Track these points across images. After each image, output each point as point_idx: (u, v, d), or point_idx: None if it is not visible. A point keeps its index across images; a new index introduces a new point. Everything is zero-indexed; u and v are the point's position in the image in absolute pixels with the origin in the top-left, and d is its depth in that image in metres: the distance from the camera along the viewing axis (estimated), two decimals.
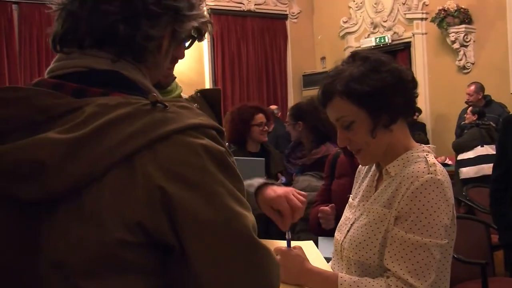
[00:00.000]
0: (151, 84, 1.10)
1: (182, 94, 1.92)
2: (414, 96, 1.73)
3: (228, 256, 0.94)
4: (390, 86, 1.63)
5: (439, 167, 1.65)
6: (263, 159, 4.03)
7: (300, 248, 1.74)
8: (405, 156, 1.70)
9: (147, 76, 1.08)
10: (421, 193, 1.59)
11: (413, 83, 1.72)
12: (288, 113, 4.11)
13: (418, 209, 1.58)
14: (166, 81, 1.35)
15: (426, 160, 1.65)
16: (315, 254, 1.87)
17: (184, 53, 1.24)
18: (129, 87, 1.00)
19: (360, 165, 1.93)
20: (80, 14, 1.02)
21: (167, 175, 0.90)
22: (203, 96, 1.10)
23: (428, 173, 1.60)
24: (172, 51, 1.13)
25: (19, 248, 0.93)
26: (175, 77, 1.35)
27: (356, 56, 1.71)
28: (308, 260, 1.71)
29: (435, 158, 1.71)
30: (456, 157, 7.30)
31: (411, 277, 1.56)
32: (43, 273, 0.90)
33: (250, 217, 0.98)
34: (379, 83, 1.63)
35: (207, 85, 10.18)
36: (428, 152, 1.72)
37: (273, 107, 9.63)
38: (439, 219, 1.59)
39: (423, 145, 1.76)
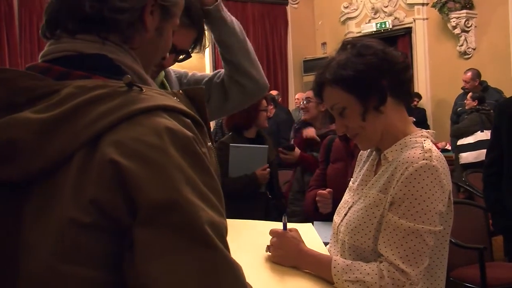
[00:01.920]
0: (149, 67, 1.10)
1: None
2: (405, 77, 1.74)
3: (170, 249, 0.85)
4: (374, 68, 1.66)
5: (436, 153, 1.65)
6: (267, 146, 4.05)
7: (296, 230, 1.76)
8: (403, 141, 1.71)
9: (138, 59, 1.07)
10: (415, 178, 1.59)
11: (403, 65, 1.73)
12: (313, 92, 4.12)
13: (412, 195, 1.59)
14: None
15: (423, 146, 1.66)
16: (313, 236, 1.88)
17: (185, 41, 1.20)
18: (113, 71, 0.99)
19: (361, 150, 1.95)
20: None
21: (122, 150, 0.87)
22: (186, 95, 1.07)
23: (424, 159, 1.61)
24: (166, 29, 1.10)
25: (1, 230, 0.94)
26: None
27: (346, 44, 1.75)
28: (304, 242, 1.72)
29: (435, 144, 1.72)
30: (456, 142, 7.31)
31: (403, 262, 1.57)
32: (20, 254, 0.91)
33: (210, 213, 0.89)
34: (363, 66, 1.65)
35: (208, 70, 10.16)
36: (427, 137, 1.72)
37: (274, 92, 9.61)
38: (432, 205, 1.59)
39: (423, 130, 1.77)
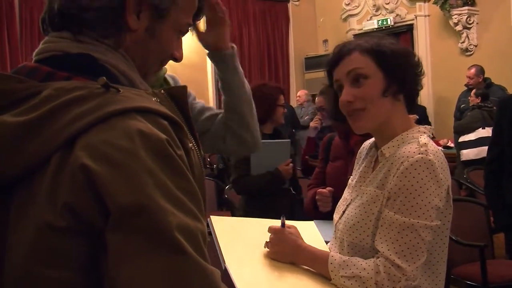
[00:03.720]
0: (144, 68, 1.09)
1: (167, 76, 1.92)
2: (420, 82, 1.78)
3: (139, 254, 0.84)
4: (407, 58, 1.72)
5: (432, 147, 1.64)
6: (289, 140, 4.03)
7: (295, 227, 1.76)
8: (400, 137, 1.71)
9: (129, 59, 1.06)
10: (410, 173, 1.58)
11: (421, 71, 1.78)
12: (322, 98, 4.18)
13: (407, 189, 1.58)
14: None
15: (419, 141, 1.65)
16: (314, 234, 1.88)
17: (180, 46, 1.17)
18: (97, 71, 0.98)
19: (361, 147, 1.94)
20: None
21: (92, 153, 0.86)
22: (168, 94, 1.05)
23: (419, 153, 1.60)
24: (160, 30, 1.08)
25: None
26: None
27: (374, 34, 1.82)
28: (302, 239, 1.72)
29: (437, 141, 1.73)
30: (458, 139, 7.30)
31: (398, 258, 1.56)
32: (5, 256, 0.91)
33: (181, 218, 0.87)
34: (400, 49, 1.72)
35: (209, 67, 10.15)
36: (424, 132, 1.72)
37: None
38: (427, 200, 1.58)
39: (420, 126, 1.76)
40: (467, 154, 6.90)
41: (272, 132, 4.10)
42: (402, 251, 1.57)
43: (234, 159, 3.90)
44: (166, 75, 1.90)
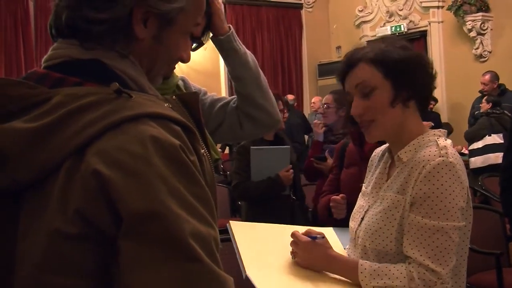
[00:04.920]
0: (152, 74, 1.09)
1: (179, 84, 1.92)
2: (432, 83, 1.76)
3: (152, 261, 0.83)
4: (415, 63, 1.70)
5: (451, 149, 1.64)
6: (289, 147, 4.04)
7: (324, 236, 1.75)
8: (416, 141, 1.70)
9: (138, 65, 1.05)
10: (433, 176, 1.58)
11: (434, 73, 1.76)
12: (332, 97, 4.15)
13: (433, 193, 1.58)
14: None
15: (437, 143, 1.65)
16: (334, 240, 1.88)
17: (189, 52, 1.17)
18: (107, 76, 0.98)
19: (372, 154, 1.93)
20: (58, 3, 1.04)
21: (105, 159, 0.85)
22: (180, 100, 1.04)
23: (440, 156, 1.60)
24: (168, 37, 1.07)
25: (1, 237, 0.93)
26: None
27: (384, 38, 1.80)
28: (331, 248, 1.73)
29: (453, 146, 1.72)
30: (469, 147, 7.27)
31: (432, 262, 1.56)
32: (13, 265, 0.90)
33: (195, 224, 0.86)
34: (407, 56, 1.69)
35: (222, 74, 10.18)
36: (439, 135, 1.72)
37: (290, 96, 9.63)
38: (454, 202, 1.58)
39: (434, 130, 1.76)
40: (475, 162, 6.87)
41: (274, 139, 4.13)
42: (435, 255, 1.57)
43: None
44: (193, 89, 1.94)
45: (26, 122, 0.90)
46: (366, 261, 1.66)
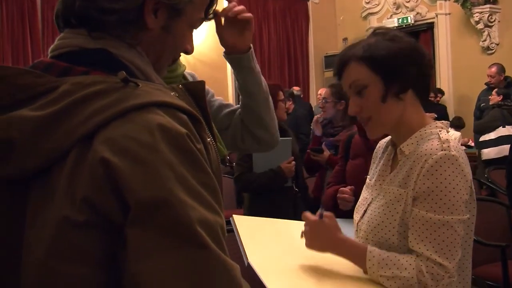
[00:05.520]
0: (158, 63, 1.10)
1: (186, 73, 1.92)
2: (429, 73, 1.75)
3: (160, 249, 0.84)
4: (405, 54, 1.67)
5: (453, 142, 1.64)
6: (290, 138, 4.03)
7: (333, 218, 1.73)
8: (418, 134, 1.71)
9: (144, 55, 1.06)
10: (436, 170, 1.58)
11: (430, 61, 1.75)
12: (330, 90, 4.17)
13: (436, 187, 1.58)
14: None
15: (439, 137, 1.65)
16: None
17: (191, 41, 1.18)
18: (113, 65, 0.99)
19: (377, 146, 1.94)
20: None
21: (112, 148, 0.86)
22: (186, 89, 1.05)
23: (442, 150, 1.60)
24: (176, 28, 1.09)
25: (6, 228, 0.94)
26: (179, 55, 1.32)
27: (377, 31, 1.77)
28: (340, 230, 1.71)
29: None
30: (478, 138, 7.25)
31: (439, 256, 1.56)
32: (20, 254, 0.91)
33: (202, 212, 0.87)
34: (396, 50, 1.67)
35: (228, 66, 10.16)
36: (442, 128, 1.72)
37: (296, 88, 9.63)
38: (459, 195, 1.58)
39: (437, 121, 1.76)
40: (488, 153, 6.85)
41: None
42: (442, 249, 1.57)
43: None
44: (185, 73, 1.90)
45: (33, 110, 0.91)
46: (375, 248, 1.65)
